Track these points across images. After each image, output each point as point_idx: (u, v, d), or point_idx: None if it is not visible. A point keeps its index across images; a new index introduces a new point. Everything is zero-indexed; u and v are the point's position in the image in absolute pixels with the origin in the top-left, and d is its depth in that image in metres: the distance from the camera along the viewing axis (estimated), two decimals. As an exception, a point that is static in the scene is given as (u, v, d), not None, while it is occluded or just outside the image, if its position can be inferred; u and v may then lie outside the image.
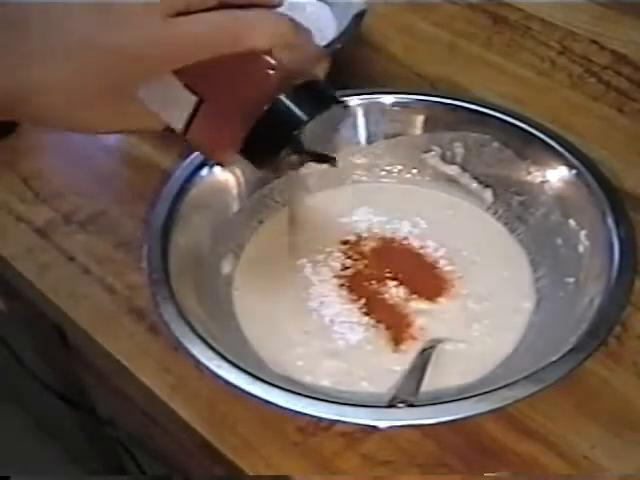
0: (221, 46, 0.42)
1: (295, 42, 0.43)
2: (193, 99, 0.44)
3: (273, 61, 0.43)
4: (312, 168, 0.64)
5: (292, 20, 0.44)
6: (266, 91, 0.43)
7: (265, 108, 0.42)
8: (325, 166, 0.64)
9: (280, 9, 0.45)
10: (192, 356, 0.50)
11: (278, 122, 0.43)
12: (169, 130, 0.46)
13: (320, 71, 0.45)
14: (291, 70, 0.43)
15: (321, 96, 0.44)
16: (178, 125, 0.45)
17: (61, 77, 0.41)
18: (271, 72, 0.43)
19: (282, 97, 0.43)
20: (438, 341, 0.55)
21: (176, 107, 0.44)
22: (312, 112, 0.43)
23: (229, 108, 0.43)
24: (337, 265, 0.60)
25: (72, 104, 0.42)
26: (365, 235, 0.62)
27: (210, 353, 0.49)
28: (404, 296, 0.58)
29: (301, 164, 0.47)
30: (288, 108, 0.43)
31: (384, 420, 0.47)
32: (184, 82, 0.43)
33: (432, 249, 0.61)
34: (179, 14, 0.41)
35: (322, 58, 0.46)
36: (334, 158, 0.49)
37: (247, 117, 0.43)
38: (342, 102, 0.46)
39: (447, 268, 0.60)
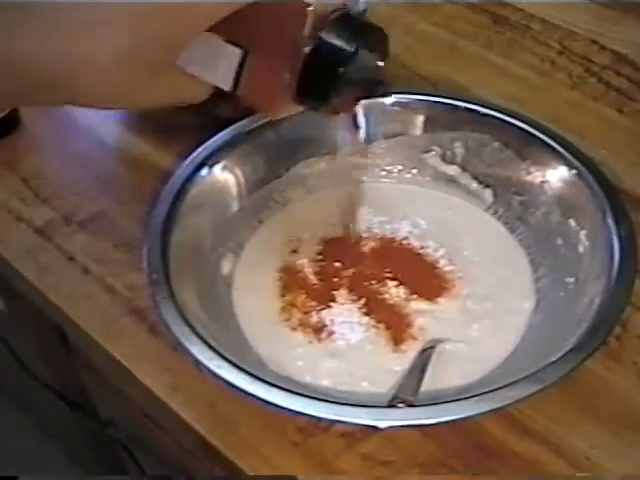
0: None
1: None
2: (237, 52, 0.43)
3: None
4: (312, 168, 0.65)
5: None
6: (307, 29, 0.42)
7: (308, 49, 0.42)
8: (322, 164, 0.65)
9: None
10: (192, 356, 0.50)
11: (325, 60, 0.43)
12: (215, 94, 0.45)
13: (354, 5, 0.45)
14: (326, 4, 0.43)
15: (360, 25, 0.44)
16: (227, 83, 0.44)
17: (107, 45, 0.40)
18: (310, 9, 0.42)
19: (324, 34, 0.42)
20: (438, 341, 0.55)
21: (221, 65, 0.44)
22: (356, 43, 0.43)
23: (274, 54, 0.43)
24: (337, 265, 0.60)
25: (120, 73, 0.42)
26: (365, 235, 0.62)
27: (210, 353, 0.49)
28: (404, 296, 0.58)
29: (355, 101, 0.47)
30: (332, 44, 0.43)
31: (384, 420, 0.47)
32: (225, 38, 0.43)
33: (432, 249, 0.61)
34: None
35: None
36: (383, 84, 0.49)
37: (293, 59, 0.42)
38: (381, 29, 0.45)
39: (447, 268, 0.60)
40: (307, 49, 0.42)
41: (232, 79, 0.44)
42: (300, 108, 0.45)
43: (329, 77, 0.43)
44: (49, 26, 0.40)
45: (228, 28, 0.42)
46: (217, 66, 0.44)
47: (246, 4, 0.42)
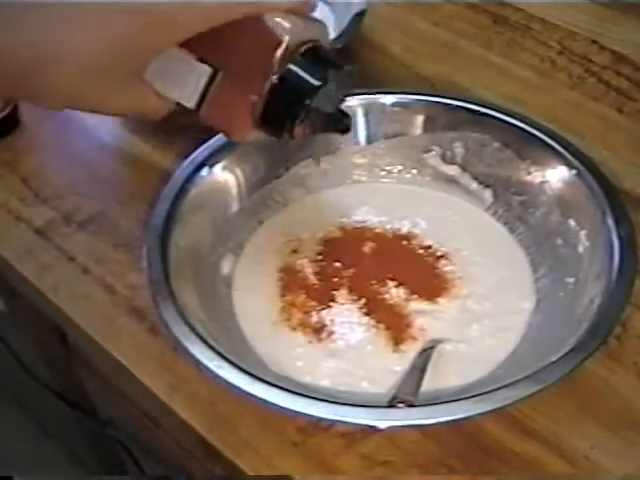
0: (236, 9, 0.41)
1: (303, 9, 0.44)
2: (207, 70, 0.43)
3: (287, 25, 0.43)
4: (312, 168, 0.65)
5: None
6: (278, 57, 0.43)
7: (276, 78, 0.43)
8: (322, 164, 0.65)
9: None
10: (192, 356, 0.50)
11: (291, 90, 0.43)
12: (178, 110, 0.45)
13: (323, 40, 0.46)
14: (300, 37, 0.44)
15: (328, 61, 0.45)
16: (191, 100, 0.44)
17: (77, 42, 0.40)
18: (285, 37, 0.43)
19: (292, 65, 0.43)
20: (438, 341, 0.55)
21: (188, 81, 0.43)
22: (323, 77, 0.44)
23: (245, 77, 0.43)
24: (337, 265, 0.60)
25: (87, 74, 0.41)
26: (365, 235, 0.62)
27: (210, 353, 0.49)
28: (404, 296, 0.58)
29: (315, 132, 0.47)
30: (300, 75, 0.43)
31: (384, 420, 0.47)
32: (196, 55, 0.43)
33: (432, 249, 0.61)
34: None
35: (323, 27, 0.47)
36: (347, 122, 0.50)
37: (263, 85, 0.43)
38: (346, 65, 0.46)
39: (447, 268, 0.60)
40: (275, 78, 0.43)
41: (197, 97, 0.44)
42: (260, 134, 0.46)
43: (293, 108, 0.44)
44: (17, 18, 0.40)
45: (201, 45, 0.42)
46: (184, 83, 0.44)
47: (224, 23, 0.41)
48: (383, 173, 0.66)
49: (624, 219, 0.56)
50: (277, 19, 0.43)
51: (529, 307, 0.58)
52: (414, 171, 0.66)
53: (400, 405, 0.49)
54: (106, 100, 0.43)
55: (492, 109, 0.63)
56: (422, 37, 0.81)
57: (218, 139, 0.61)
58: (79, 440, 1.07)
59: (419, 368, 0.53)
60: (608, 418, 0.52)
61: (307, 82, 0.44)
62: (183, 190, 0.59)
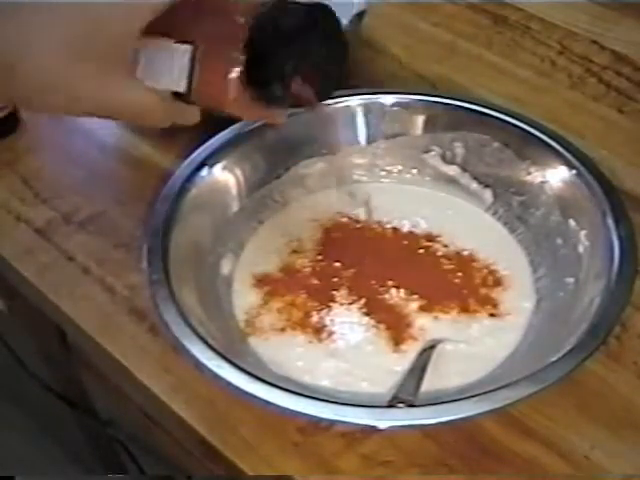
0: None
1: None
2: (187, 48, 0.43)
3: None
4: (312, 168, 0.65)
5: None
6: (245, 15, 0.42)
7: (250, 26, 0.42)
8: (322, 164, 0.65)
9: None
10: (192, 356, 0.50)
11: (265, 40, 0.42)
12: (174, 98, 0.44)
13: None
14: None
15: (295, 8, 0.44)
16: (181, 84, 0.43)
17: (47, 36, 0.40)
18: None
19: (259, 17, 0.42)
20: (438, 341, 0.55)
21: (173, 65, 0.43)
22: (291, 22, 0.43)
23: (220, 45, 0.43)
24: (337, 265, 0.60)
25: (60, 67, 0.41)
26: (365, 235, 0.62)
27: (210, 353, 0.49)
28: (404, 296, 0.58)
29: (313, 91, 0.47)
30: (273, 17, 0.43)
31: (384, 420, 0.47)
32: (175, 37, 0.43)
33: (432, 249, 0.61)
34: None
35: None
36: (342, 50, 0.48)
37: (236, 45, 0.42)
38: (325, 5, 0.45)
39: (447, 268, 0.60)
40: (246, 36, 0.42)
41: (186, 79, 0.43)
42: (260, 106, 0.44)
43: (274, 56, 0.43)
44: None
45: (175, 27, 0.42)
46: (170, 68, 0.43)
47: None
48: (383, 173, 0.66)
49: (624, 219, 0.56)
50: None
51: (529, 307, 0.58)
52: (414, 171, 0.66)
53: (400, 405, 0.49)
54: (96, 100, 0.42)
55: (492, 109, 0.63)
56: (422, 37, 0.81)
57: (218, 139, 0.61)
58: (79, 440, 1.07)
59: (419, 368, 0.53)
60: (608, 418, 0.52)
61: (276, 29, 0.42)
62: (183, 190, 0.59)
